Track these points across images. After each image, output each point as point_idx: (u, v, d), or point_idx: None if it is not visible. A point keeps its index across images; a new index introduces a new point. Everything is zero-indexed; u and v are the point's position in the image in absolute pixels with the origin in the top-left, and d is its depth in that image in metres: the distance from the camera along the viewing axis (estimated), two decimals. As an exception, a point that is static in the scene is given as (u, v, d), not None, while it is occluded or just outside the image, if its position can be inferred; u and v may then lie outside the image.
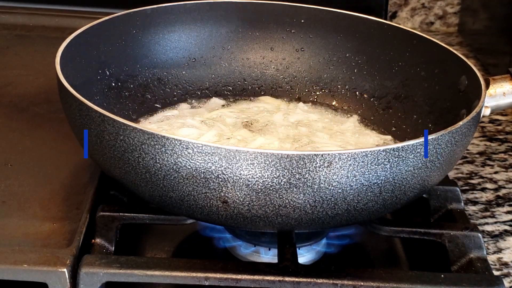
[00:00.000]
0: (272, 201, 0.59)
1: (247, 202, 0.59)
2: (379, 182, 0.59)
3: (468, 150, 0.92)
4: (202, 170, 0.58)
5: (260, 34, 0.89)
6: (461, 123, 0.63)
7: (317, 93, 0.87)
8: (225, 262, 0.62)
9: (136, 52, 0.83)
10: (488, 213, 0.81)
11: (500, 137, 0.97)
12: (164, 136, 0.58)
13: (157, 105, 0.83)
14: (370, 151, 0.58)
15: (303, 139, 0.78)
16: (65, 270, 0.60)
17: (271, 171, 0.57)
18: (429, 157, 0.61)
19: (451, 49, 0.78)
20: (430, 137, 0.61)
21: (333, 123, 0.82)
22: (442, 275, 0.63)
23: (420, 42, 0.81)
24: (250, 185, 0.58)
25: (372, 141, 0.80)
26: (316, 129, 0.80)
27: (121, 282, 0.61)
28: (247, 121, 0.80)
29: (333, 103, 0.86)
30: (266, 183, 0.58)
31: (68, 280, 0.60)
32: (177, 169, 0.58)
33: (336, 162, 0.57)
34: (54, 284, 0.60)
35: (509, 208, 0.82)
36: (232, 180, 0.58)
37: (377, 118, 0.83)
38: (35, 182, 0.73)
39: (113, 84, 0.80)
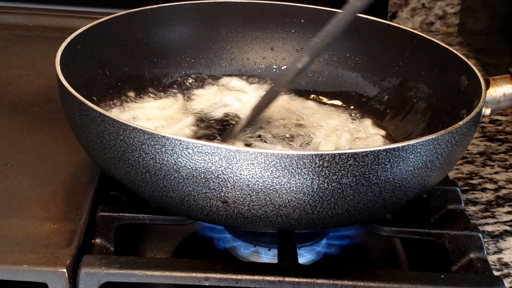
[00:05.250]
0: (272, 201, 0.59)
1: (247, 202, 0.59)
2: (379, 182, 0.59)
3: (468, 150, 0.92)
4: (202, 170, 0.58)
5: (260, 34, 0.89)
6: (461, 123, 0.63)
7: (317, 93, 0.87)
8: (225, 263, 0.62)
9: (136, 52, 0.83)
10: (488, 214, 0.81)
11: (500, 137, 0.97)
12: (164, 136, 0.58)
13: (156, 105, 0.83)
14: (370, 151, 0.58)
15: (300, 137, 0.78)
16: (64, 270, 0.60)
17: (271, 171, 0.57)
18: (429, 157, 0.61)
19: (451, 49, 0.78)
20: (430, 137, 0.61)
21: (332, 123, 0.82)
22: (442, 276, 0.63)
23: (420, 42, 0.81)
24: (250, 185, 0.58)
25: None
26: (313, 129, 0.80)
27: (121, 282, 0.61)
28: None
29: (333, 103, 0.86)
30: (266, 183, 0.58)
31: (68, 280, 0.60)
32: (177, 169, 0.58)
33: (336, 162, 0.57)
34: (54, 284, 0.60)
35: (509, 209, 0.82)
36: (232, 180, 0.58)
37: (377, 118, 0.83)
38: (35, 182, 0.73)
39: (113, 84, 0.80)
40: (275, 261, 0.64)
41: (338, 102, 0.86)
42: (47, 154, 0.77)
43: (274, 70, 0.89)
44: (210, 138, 0.77)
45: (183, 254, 0.72)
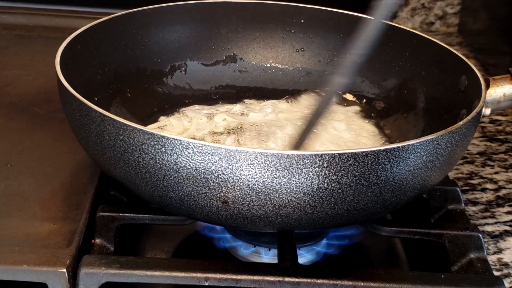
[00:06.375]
0: (272, 201, 0.59)
1: (247, 202, 0.59)
2: (379, 182, 0.59)
3: (468, 150, 0.92)
4: (202, 170, 0.58)
5: (260, 34, 0.89)
6: (461, 123, 0.63)
7: (317, 93, 0.87)
8: (225, 262, 0.62)
9: (136, 52, 0.83)
10: (488, 214, 0.81)
11: (500, 137, 0.97)
12: (164, 136, 0.58)
13: (156, 105, 0.83)
14: (370, 151, 0.58)
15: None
16: (64, 270, 0.60)
17: (271, 171, 0.57)
18: (429, 157, 0.61)
19: (451, 49, 0.78)
20: (430, 137, 0.61)
21: (331, 123, 0.82)
22: (442, 276, 0.63)
23: (420, 42, 0.81)
24: (250, 185, 0.58)
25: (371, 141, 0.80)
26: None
27: (121, 282, 0.61)
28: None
29: (333, 103, 0.86)
30: (266, 183, 0.58)
31: (67, 281, 0.60)
32: (177, 169, 0.58)
33: (336, 162, 0.57)
34: (53, 284, 0.60)
35: (509, 209, 0.82)
36: (232, 180, 0.58)
37: (377, 117, 0.83)
38: (35, 182, 0.72)
39: (113, 85, 0.80)
40: (275, 261, 0.64)
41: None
42: (47, 154, 0.77)
43: (274, 70, 0.89)
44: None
45: (183, 254, 0.72)
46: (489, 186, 0.86)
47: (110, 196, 0.72)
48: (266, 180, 0.58)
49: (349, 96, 0.86)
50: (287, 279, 0.60)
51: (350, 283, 0.61)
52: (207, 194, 0.59)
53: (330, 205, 0.59)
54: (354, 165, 0.58)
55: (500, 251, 0.75)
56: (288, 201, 0.59)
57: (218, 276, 0.60)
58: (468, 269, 0.66)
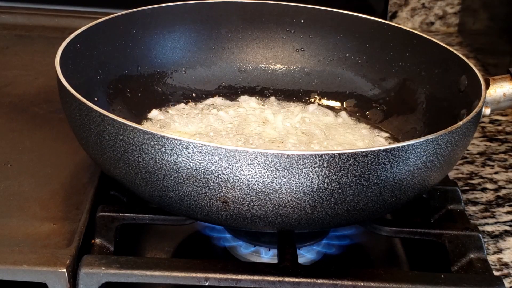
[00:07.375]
0: (272, 201, 0.59)
1: (247, 202, 0.59)
2: (379, 182, 0.59)
3: (468, 150, 0.92)
4: (202, 170, 0.58)
5: (260, 34, 0.89)
6: (461, 123, 0.63)
7: (317, 93, 0.87)
8: (225, 262, 0.62)
9: (136, 52, 0.83)
10: (488, 214, 0.81)
11: (500, 137, 0.97)
12: (164, 136, 0.58)
13: (157, 106, 0.83)
14: (370, 151, 0.58)
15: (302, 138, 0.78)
16: (64, 270, 0.60)
17: (271, 171, 0.57)
18: (429, 157, 0.61)
19: (451, 49, 0.78)
20: (430, 137, 0.61)
21: (332, 123, 0.82)
22: (442, 276, 0.63)
23: (420, 42, 0.81)
24: (250, 185, 0.58)
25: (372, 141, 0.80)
26: (315, 129, 0.80)
27: (121, 282, 0.61)
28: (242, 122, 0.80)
29: (333, 103, 0.86)
30: (266, 183, 0.58)
31: (67, 281, 0.60)
32: (177, 169, 0.58)
33: (336, 162, 0.57)
34: (53, 284, 0.60)
35: (509, 209, 0.82)
36: (232, 180, 0.58)
37: (376, 118, 0.83)
38: (35, 182, 0.73)
39: (113, 85, 0.80)
40: (275, 261, 0.64)
41: (338, 103, 0.86)
42: (47, 154, 0.77)
43: (273, 70, 0.89)
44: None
45: (183, 254, 0.72)
46: (489, 186, 0.86)
47: (110, 196, 0.72)
48: (266, 180, 0.58)
49: (350, 101, 0.86)
50: (287, 279, 0.60)
51: (350, 283, 0.61)
52: (207, 194, 0.59)
53: (330, 205, 0.59)
54: (354, 165, 0.58)
55: (500, 251, 0.75)
56: (288, 201, 0.59)
57: (218, 276, 0.60)
58: (468, 269, 0.66)
